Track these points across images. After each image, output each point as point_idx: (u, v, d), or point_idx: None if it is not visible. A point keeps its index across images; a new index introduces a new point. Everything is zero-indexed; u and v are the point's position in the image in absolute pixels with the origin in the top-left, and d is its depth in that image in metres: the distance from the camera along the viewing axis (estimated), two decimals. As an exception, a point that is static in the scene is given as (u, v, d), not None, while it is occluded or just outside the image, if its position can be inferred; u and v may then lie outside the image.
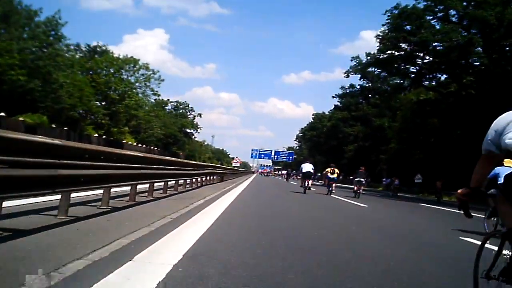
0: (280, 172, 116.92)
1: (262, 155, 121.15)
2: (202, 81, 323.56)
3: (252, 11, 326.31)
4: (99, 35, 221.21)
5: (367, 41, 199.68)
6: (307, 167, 26.19)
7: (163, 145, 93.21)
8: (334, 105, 77.59)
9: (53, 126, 47.46)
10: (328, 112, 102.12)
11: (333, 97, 76.01)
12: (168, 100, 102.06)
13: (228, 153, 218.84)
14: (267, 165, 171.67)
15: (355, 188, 25.19)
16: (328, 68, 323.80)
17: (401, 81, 47.80)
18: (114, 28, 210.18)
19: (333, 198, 22.21)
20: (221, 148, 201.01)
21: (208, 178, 24.18)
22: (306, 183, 25.50)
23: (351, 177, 42.59)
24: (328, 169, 25.63)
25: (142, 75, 64.72)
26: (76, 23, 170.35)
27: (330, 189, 24.85)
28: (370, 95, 73.68)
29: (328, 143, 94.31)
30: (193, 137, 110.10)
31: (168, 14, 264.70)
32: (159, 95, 69.16)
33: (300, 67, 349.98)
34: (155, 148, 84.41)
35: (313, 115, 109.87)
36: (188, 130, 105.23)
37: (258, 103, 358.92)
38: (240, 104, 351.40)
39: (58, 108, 47.55)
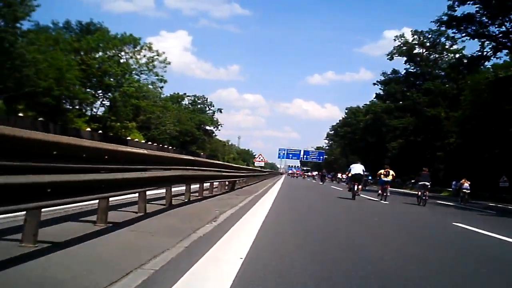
0: (311, 173, 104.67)
1: (290, 155, 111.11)
2: (226, 83, 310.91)
3: (273, 12, 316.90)
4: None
5: (390, 40, 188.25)
6: (357, 168, 21.48)
7: (180, 144, 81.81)
8: (376, 94, 64.80)
9: (21, 115, 36.13)
10: (363, 105, 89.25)
11: (374, 84, 63.41)
12: (185, 94, 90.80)
13: (254, 154, 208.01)
14: (295, 166, 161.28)
15: (419, 193, 20.66)
16: (352, 68, 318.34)
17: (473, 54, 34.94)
18: (136, 30, 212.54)
19: (397, 207, 18.94)
20: (246, 149, 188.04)
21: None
22: (356, 187, 20.97)
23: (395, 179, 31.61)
24: (382, 171, 21.75)
25: (144, 56, 52.82)
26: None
27: (385, 194, 21.02)
28: (418, 82, 60.44)
29: (364, 140, 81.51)
30: (214, 135, 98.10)
31: (190, 16, 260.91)
32: (165, 81, 56.71)
33: (323, 68, 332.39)
34: (170, 147, 73.01)
35: (346, 109, 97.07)
36: (208, 128, 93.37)
37: (282, 104, 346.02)
38: (265, 105, 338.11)
39: (30, 92, 36.05)
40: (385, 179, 21.06)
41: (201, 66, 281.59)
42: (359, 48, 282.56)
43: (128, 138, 58.28)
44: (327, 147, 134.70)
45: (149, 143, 64.32)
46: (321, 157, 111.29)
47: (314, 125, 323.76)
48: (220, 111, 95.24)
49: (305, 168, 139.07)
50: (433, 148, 54.07)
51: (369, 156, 78.06)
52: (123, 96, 49.48)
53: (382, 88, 62.26)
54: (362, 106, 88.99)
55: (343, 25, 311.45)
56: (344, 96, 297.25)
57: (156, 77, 54.88)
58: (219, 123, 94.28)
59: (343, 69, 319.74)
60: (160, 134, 70.70)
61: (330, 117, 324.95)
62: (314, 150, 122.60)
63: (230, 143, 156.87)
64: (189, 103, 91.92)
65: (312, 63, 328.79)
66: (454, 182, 34.66)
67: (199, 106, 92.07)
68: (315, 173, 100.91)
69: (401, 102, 59.59)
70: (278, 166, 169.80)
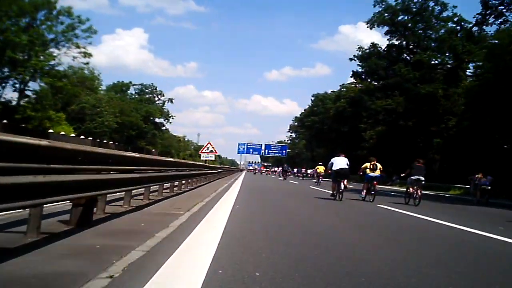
0: (270, 169, 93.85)
1: (251, 150, 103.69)
2: (185, 80, 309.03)
3: (229, 8, 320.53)
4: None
5: (347, 36, 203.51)
6: (341, 162, 16.37)
7: (126, 139, 69.14)
8: (353, 71, 53.64)
9: None
10: (332, 92, 78.62)
11: (350, 59, 52.27)
12: (131, 82, 77.72)
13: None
14: (255, 161, 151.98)
15: (411, 190, 16.14)
16: (309, 63, 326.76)
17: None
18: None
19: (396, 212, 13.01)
20: (203, 145, 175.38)
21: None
22: (342, 186, 15.92)
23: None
24: (367, 164, 16.92)
25: (61, 23, 40.11)
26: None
27: (372, 192, 16.41)
28: (402, 57, 49.63)
29: (335, 130, 70.99)
30: (164, 128, 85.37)
31: (145, 13, 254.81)
32: (90, 55, 43.97)
33: (281, 63, 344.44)
34: (112, 143, 60.24)
35: (313, 96, 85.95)
36: (157, 120, 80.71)
37: (242, 100, 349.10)
38: (224, 102, 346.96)
39: None
40: (372, 174, 16.57)
41: (159, 64, 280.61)
42: (315, 43, 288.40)
43: (51, 130, 45.33)
44: (289, 141, 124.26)
45: (82, 137, 51.56)
46: (284, 151, 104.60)
47: (274, 121, 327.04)
48: (171, 101, 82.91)
49: (265, 164, 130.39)
50: (427, 134, 43.57)
51: (340, 148, 67.85)
52: (32, 74, 36.36)
53: (360, 64, 51.44)
54: (331, 92, 78.62)
55: (299, 20, 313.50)
56: (302, 91, 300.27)
57: (78, 50, 41.69)
58: (170, 115, 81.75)
59: (300, 64, 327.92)
60: (98, 127, 57.75)
61: (289, 112, 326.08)
62: (276, 144, 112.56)
63: (187, 139, 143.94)
64: (135, 92, 79.00)
65: (270, 59, 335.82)
66: (476, 177, 24.28)
67: (147, 96, 79.15)
68: (278, 168, 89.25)
69: (383, 82, 48.78)
70: (239, 162, 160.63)
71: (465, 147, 35.39)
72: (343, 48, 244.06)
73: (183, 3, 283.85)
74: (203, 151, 31.20)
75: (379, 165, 16.94)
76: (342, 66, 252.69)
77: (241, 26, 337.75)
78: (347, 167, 16.36)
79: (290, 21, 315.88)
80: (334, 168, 16.33)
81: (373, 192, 16.53)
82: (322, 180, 33.55)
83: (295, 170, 75.04)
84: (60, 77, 40.98)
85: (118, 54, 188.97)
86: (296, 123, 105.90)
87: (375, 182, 16.62)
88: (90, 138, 53.61)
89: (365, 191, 16.93)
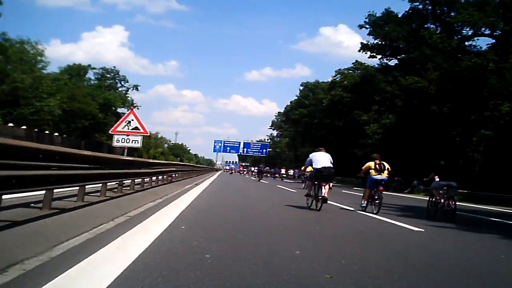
0: (250, 169, 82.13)
1: (228, 148, 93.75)
2: (164, 79, 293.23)
3: (211, 8, 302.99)
4: (56, 33, 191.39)
5: (327, 37, 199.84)
6: (323, 159, 11.93)
7: (83, 131, 56.09)
8: (362, 43, 41.52)
9: None
10: (323, 82, 66.72)
11: (360, 26, 39.84)
12: (89, 65, 64.10)
13: (189, 149, 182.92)
14: (233, 161, 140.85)
15: (437, 199, 12.19)
16: (289, 64, 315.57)
17: None
18: (72, 25, 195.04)
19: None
20: (180, 143, 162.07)
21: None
22: (322, 191, 11.45)
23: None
24: (371, 164, 12.59)
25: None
26: (33, 21, 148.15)
27: (377, 201, 11.94)
28: (426, 26, 37.53)
29: (328, 125, 59.23)
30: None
31: (126, 11, 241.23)
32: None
33: (261, 64, 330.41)
34: (56, 134, 47.19)
35: (301, 85, 73.41)
36: (120, 111, 67.44)
37: (221, 100, 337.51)
38: (204, 102, 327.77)
39: None
40: (378, 176, 12.19)
41: (138, 62, 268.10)
42: (296, 45, 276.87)
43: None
44: (268, 140, 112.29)
45: (10, 124, 38.51)
46: (264, 150, 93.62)
47: (253, 121, 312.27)
48: (136, 89, 69.13)
49: (243, 164, 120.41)
50: (466, 124, 31.69)
51: (333, 146, 56.50)
52: None
53: (372, 32, 39.10)
54: (323, 82, 66.70)
55: (280, 21, 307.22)
56: (281, 92, 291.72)
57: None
58: (134, 104, 68.45)
59: (280, 65, 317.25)
60: (35, 113, 44.55)
61: (268, 113, 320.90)
62: (256, 142, 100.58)
63: (160, 136, 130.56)
64: (95, 78, 65.54)
65: (250, 60, 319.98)
66: None
67: (108, 81, 65.75)
68: (255, 168, 75.88)
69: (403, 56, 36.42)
70: (218, 162, 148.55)
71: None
72: (323, 49, 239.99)
73: (165, 2, 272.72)
74: (118, 128, 15.77)
75: (386, 165, 12.46)
76: (322, 67, 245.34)
77: (222, 26, 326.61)
78: (331, 165, 11.74)
79: (271, 22, 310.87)
80: (315, 166, 11.81)
81: (377, 201, 11.86)
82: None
83: (272, 170, 65.75)
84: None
85: (97, 51, 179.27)
86: (279, 118, 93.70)
87: (381, 188, 12.08)
88: (24, 127, 40.54)
89: (366, 199, 12.40)
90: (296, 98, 73.75)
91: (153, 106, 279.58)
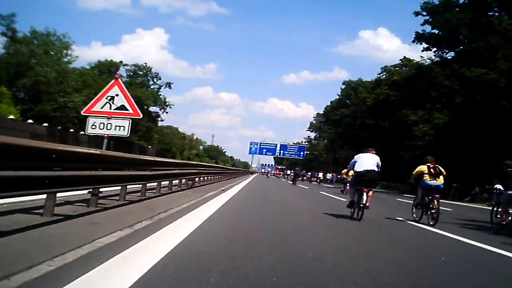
0: (286, 172, 78.28)
1: (264, 150, 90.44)
2: (203, 81, 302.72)
3: (250, 11, 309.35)
4: (97, 35, 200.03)
5: (366, 41, 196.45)
6: (368, 162, 10.32)
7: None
8: (417, 33, 36.30)
9: None
10: (371, 80, 61.72)
11: (416, 13, 34.78)
12: (121, 62, 61.37)
13: (224, 151, 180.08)
14: (269, 164, 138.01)
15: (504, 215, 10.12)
16: (327, 68, 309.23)
17: None
18: (113, 28, 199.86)
19: None
20: (216, 145, 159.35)
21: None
22: (363, 198, 9.98)
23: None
24: (423, 168, 10.86)
25: None
26: (74, 23, 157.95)
27: (433, 211, 10.24)
28: (490, 14, 32.29)
29: (371, 127, 54.47)
30: (158, 119, 68.93)
31: (166, 13, 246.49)
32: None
33: (299, 67, 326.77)
34: (83, 133, 44.41)
35: (343, 83, 68.37)
36: (152, 109, 64.49)
37: (258, 103, 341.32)
38: (240, 104, 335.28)
39: None
40: (433, 182, 10.51)
41: (178, 65, 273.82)
42: (334, 48, 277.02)
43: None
44: (305, 143, 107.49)
45: (30, 121, 35.65)
46: (302, 153, 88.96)
47: (289, 124, 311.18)
48: (169, 86, 65.78)
49: (279, 167, 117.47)
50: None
51: (376, 148, 51.58)
52: None
53: (429, 21, 34.09)
54: (370, 80, 61.79)
55: (318, 24, 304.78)
56: (318, 95, 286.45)
57: None
58: (167, 103, 65.28)
59: (318, 68, 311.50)
60: (58, 109, 41.77)
61: (305, 116, 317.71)
62: (293, 144, 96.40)
63: (195, 137, 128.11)
64: (127, 75, 62.68)
65: (288, 62, 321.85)
66: None
67: (140, 79, 62.74)
68: (291, 172, 70.86)
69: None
70: (254, 165, 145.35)
71: None
72: (362, 53, 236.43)
73: (205, 5, 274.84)
74: (95, 108, 10.24)
75: (442, 170, 10.63)
76: (360, 70, 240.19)
77: (261, 29, 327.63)
78: (376, 169, 10.18)
79: (309, 25, 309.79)
80: (357, 168, 10.20)
81: (433, 211, 10.09)
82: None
83: (309, 174, 60.80)
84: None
85: (137, 54, 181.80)
86: (318, 119, 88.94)
87: (437, 195, 10.24)
88: (46, 124, 37.74)
89: (418, 208, 10.91)
90: (338, 97, 68.92)
91: (190, 108, 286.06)
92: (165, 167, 11.91)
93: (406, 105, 48.99)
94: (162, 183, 11.82)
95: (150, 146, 68.97)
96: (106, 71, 58.03)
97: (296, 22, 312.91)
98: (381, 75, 53.98)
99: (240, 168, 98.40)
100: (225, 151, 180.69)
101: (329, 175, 65.05)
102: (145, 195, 10.05)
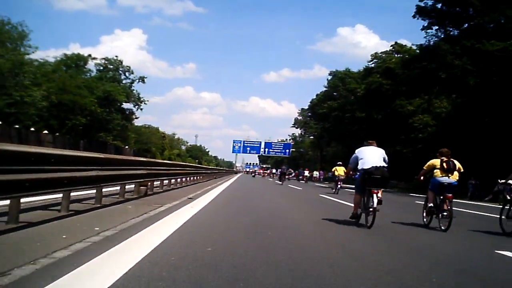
0: (272, 171, 73.39)
1: (248, 149, 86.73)
2: (183, 81, 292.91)
3: (228, 10, 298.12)
4: (75, 37, 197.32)
5: (344, 38, 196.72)
6: (374, 156, 8.45)
7: (84, 129, 48.32)
8: (417, 6, 31.70)
9: None
10: (359, 70, 57.27)
11: None
12: (90, 55, 55.96)
13: (207, 151, 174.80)
14: (253, 163, 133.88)
15: None
16: (307, 65, 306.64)
17: None
18: (90, 29, 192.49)
19: None
20: (199, 145, 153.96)
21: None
22: (373, 200, 7.99)
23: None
24: (436, 162, 8.98)
25: None
26: (51, 24, 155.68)
27: (445, 213, 8.52)
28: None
29: (362, 120, 50.13)
30: (134, 117, 63.39)
31: (143, 14, 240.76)
32: None
33: (279, 65, 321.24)
34: (46, 132, 39.52)
35: (330, 74, 63.22)
36: (125, 107, 59.21)
37: (240, 102, 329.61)
38: (222, 104, 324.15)
39: None
40: (444, 179, 8.76)
41: (157, 65, 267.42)
42: (313, 45, 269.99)
43: None
44: (290, 140, 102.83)
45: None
46: (287, 151, 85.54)
47: (272, 123, 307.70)
48: (143, 81, 60.25)
49: (264, 166, 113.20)
50: None
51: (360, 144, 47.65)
52: None
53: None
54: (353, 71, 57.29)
55: (297, 22, 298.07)
56: (300, 93, 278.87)
57: None
58: (141, 99, 60.03)
59: (298, 66, 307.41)
60: (14, 105, 36.58)
61: (287, 114, 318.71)
62: (279, 141, 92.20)
63: (177, 137, 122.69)
64: (96, 69, 57.24)
65: (268, 61, 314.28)
66: None
67: (111, 73, 57.34)
68: (278, 170, 65.37)
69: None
70: (238, 164, 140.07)
71: None
72: (341, 50, 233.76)
73: (181, 4, 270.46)
74: None
75: (457, 164, 8.85)
76: (340, 68, 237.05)
77: (239, 27, 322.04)
78: (385, 164, 8.42)
79: (288, 22, 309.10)
80: (362, 166, 8.37)
81: (445, 213, 8.45)
82: (341, 186, 23.46)
83: (296, 172, 57.90)
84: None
85: (116, 55, 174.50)
86: (303, 115, 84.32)
87: (449, 195, 8.58)
88: (-1, 122, 32.72)
89: (427, 209, 9.09)
90: (324, 89, 64.06)
91: (172, 109, 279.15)
92: (77, 165, 7.11)
93: (401, 95, 44.84)
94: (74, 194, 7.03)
95: (127, 147, 64.03)
96: (73, 65, 52.81)
97: (274, 20, 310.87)
98: (371, 63, 49.73)
99: (222, 168, 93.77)
100: (208, 151, 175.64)
101: (316, 173, 61.47)
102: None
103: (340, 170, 23.30)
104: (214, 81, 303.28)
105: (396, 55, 46.63)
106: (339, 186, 22.95)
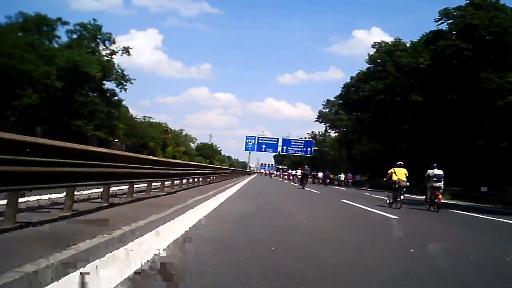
0: (291, 172, 58.61)
1: (264, 147, 74.32)
2: (198, 82, 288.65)
3: (243, 11, 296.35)
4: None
5: (360, 40, 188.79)
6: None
7: (49, 115, 34.84)
8: None
9: None
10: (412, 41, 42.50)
11: None
12: (59, 19, 41.70)
13: (220, 149, 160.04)
14: (269, 164, 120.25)
15: None
16: (322, 67, 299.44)
17: None
18: (106, 28, 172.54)
19: None
20: (210, 143, 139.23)
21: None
22: None
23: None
24: None
25: None
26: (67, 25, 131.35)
27: None
28: None
29: (437, 97, 35.33)
30: (116, 98, 48.10)
31: (158, 14, 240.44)
32: None
33: (294, 67, 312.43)
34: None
35: (373, 46, 46.79)
36: (107, 87, 44.94)
37: (254, 103, 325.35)
38: (237, 104, 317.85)
39: None
40: None
41: (172, 65, 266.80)
42: (329, 48, 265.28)
43: None
44: (309, 138, 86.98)
45: None
46: (309, 149, 73.52)
47: (286, 124, 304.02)
48: (128, 53, 45.62)
49: (281, 167, 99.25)
50: None
51: (430, 138, 33.41)
52: None
53: None
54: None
55: (313, 23, 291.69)
56: (314, 95, 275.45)
57: None
58: (126, 76, 45.28)
59: (313, 68, 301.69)
60: None
61: (302, 116, 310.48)
62: (298, 139, 77.51)
63: (185, 133, 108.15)
64: (67, 36, 42.89)
65: (283, 62, 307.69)
66: None
67: (86, 42, 42.95)
68: (295, 172, 49.14)
69: None
70: (252, 165, 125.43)
71: None
72: (357, 52, 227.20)
73: (197, 5, 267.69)
74: None
75: None
76: (355, 69, 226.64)
77: (254, 28, 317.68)
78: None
79: (304, 24, 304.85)
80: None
81: None
82: (404, 197, 15.25)
83: (320, 174, 50.48)
84: None
85: (131, 54, 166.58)
86: (328, 107, 69.44)
87: None
88: None
89: None
90: (367, 68, 47.93)
91: (186, 109, 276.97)
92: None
93: (488, 66, 30.20)
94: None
95: (116, 140, 50.22)
96: (33, 27, 38.80)
97: (289, 22, 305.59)
98: (439, 25, 34.65)
99: (235, 168, 79.80)
100: (220, 150, 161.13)
101: (342, 176, 51.83)
102: None
103: (401, 174, 16.01)
104: (229, 82, 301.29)
105: (477, 12, 31.81)
106: (401, 197, 15.13)
